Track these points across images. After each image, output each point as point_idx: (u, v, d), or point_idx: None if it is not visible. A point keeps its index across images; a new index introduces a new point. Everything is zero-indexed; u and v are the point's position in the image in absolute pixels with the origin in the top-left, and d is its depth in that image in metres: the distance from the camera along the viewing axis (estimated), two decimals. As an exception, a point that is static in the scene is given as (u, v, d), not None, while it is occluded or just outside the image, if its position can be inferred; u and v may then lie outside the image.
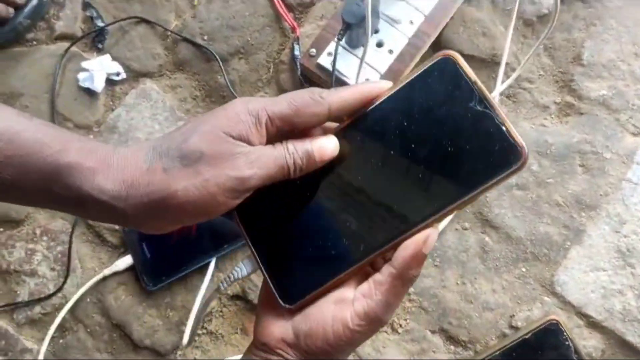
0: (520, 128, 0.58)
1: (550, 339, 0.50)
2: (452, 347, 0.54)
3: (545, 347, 0.50)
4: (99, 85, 0.63)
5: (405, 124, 0.31)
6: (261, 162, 0.30)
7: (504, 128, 0.28)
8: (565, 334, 0.50)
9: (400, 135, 0.31)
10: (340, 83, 0.55)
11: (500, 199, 0.57)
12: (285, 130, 0.31)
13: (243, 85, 0.62)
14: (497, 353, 0.51)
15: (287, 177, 0.31)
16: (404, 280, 0.30)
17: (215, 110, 0.31)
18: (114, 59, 0.64)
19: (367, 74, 0.55)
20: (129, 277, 0.58)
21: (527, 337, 0.51)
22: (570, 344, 0.50)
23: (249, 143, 0.30)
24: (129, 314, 0.57)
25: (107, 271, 0.57)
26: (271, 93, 0.61)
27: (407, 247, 0.29)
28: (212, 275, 0.57)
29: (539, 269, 0.55)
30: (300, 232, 0.33)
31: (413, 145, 0.30)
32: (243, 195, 0.30)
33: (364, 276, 0.32)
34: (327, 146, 0.31)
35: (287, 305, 0.32)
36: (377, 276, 0.30)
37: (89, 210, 0.30)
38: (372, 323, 0.30)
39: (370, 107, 0.32)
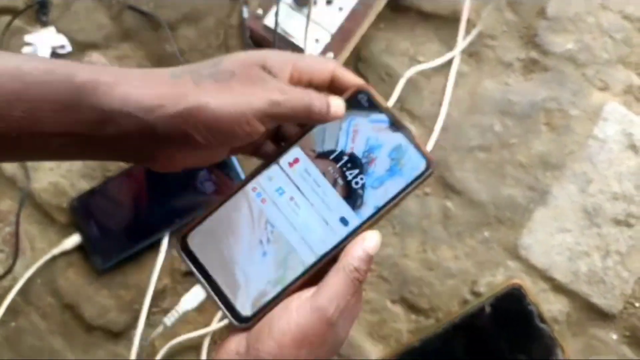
0: (482, 88, 0.60)
1: (513, 303, 0.52)
2: (413, 316, 0.56)
3: (508, 312, 0.52)
4: (43, 59, 0.64)
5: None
6: (292, 94, 0.32)
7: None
8: (528, 298, 0.52)
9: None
10: (288, 44, 0.57)
11: (462, 162, 0.58)
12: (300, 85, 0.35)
13: (192, 53, 0.63)
14: (457, 320, 0.53)
15: (305, 118, 0.34)
16: (347, 273, 0.33)
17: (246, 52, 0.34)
18: (59, 31, 0.65)
19: (316, 34, 0.57)
20: (79, 256, 0.60)
21: (488, 302, 0.52)
22: (534, 309, 0.52)
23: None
24: (80, 295, 0.60)
25: (55, 251, 0.60)
26: (222, 60, 0.63)
27: (350, 246, 0.35)
28: (166, 252, 0.59)
29: (502, 233, 0.56)
30: (246, 251, 0.39)
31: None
32: (270, 123, 0.32)
33: None
34: (340, 104, 0.36)
35: (242, 325, 0.37)
36: (325, 276, 0.34)
37: (111, 134, 0.30)
38: (317, 317, 0.32)
39: None
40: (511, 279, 0.53)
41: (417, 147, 0.39)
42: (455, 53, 0.60)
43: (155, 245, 0.59)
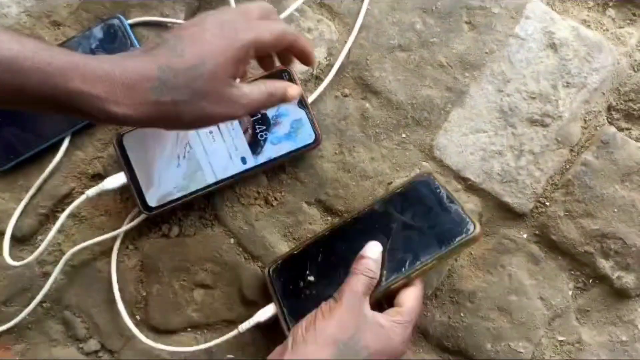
0: (405, -16, 0.58)
1: (422, 189, 0.51)
2: (328, 217, 0.56)
3: (418, 197, 0.51)
4: None
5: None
6: (248, 104, 0.41)
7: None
8: (437, 183, 0.51)
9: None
10: None
11: (382, 62, 0.57)
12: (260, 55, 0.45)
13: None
14: (366, 209, 0.52)
15: (261, 109, 0.48)
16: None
17: (214, 34, 0.39)
18: None
19: None
20: (-23, 158, 0.58)
21: (398, 191, 0.52)
22: (443, 192, 0.50)
23: (239, 75, 0.41)
24: (-21, 198, 0.57)
25: (-50, 152, 0.56)
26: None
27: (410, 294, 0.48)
28: (66, 152, 0.57)
29: (419, 134, 0.56)
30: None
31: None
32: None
33: None
34: (295, 91, 0.44)
35: (145, 212, 0.53)
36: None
37: (95, 122, 0.44)
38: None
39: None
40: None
41: (312, 124, 0.53)
42: (379, -53, 0.58)
43: (58, 145, 0.57)
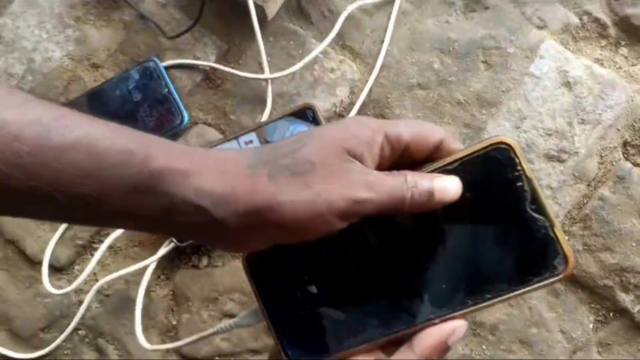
0: (423, 26, 0.61)
1: (491, 174, 0.30)
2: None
3: (481, 190, 0.30)
4: (-17, -5, 0.64)
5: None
6: (379, 187, 0.28)
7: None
8: (518, 168, 0.30)
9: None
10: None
11: (402, 100, 0.59)
12: (392, 159, 0.31)
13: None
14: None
15: (398, 212, 0.30)
16: None
17: (329, 124, 0.31)
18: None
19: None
20: (21, 192, 0.62)
21: (453, 167, 0.31)
22: (526, 187, 0.29)
23: (363, 163, 0.29)
24: (22, 229, 0.61)
25: (-3, 187, 0.61)
26: (164, -3, 0.64)
27: (431, 335, 0.30)
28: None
29: (438, 168, 0.58)
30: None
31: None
32: (350, 220, 0.29)
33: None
34: (451, 187, 0.30)
35: (177, 243, 0.53)
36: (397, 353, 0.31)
37: (179, 221, 0.29)
38: None
39: None
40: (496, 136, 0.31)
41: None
42: (398, -9, 0.61)
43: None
